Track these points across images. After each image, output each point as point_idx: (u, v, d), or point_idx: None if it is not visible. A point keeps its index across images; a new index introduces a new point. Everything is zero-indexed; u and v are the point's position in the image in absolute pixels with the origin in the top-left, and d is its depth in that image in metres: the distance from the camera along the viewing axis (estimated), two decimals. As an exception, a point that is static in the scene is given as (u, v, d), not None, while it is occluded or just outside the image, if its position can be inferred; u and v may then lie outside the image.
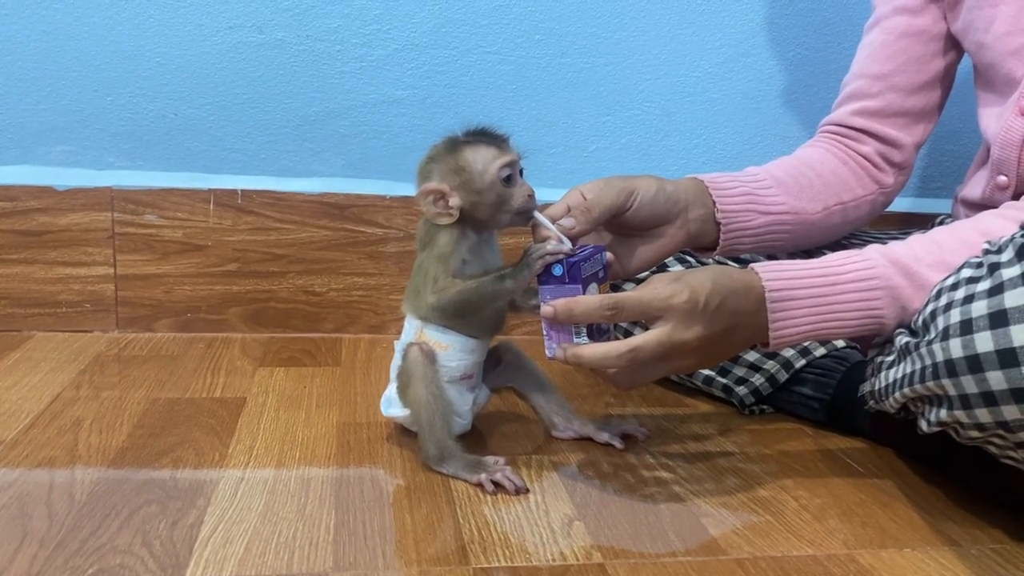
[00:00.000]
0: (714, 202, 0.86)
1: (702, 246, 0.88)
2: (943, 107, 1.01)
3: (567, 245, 0.74)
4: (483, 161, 0.76)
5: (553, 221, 0.77)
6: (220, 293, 1.18)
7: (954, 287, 0.66)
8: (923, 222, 1.07)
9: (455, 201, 0.76)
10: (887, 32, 0.98)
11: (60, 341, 1.12)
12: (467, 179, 0.76)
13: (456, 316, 0.79)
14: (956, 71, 1.00)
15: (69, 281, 1.15)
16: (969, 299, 0.62)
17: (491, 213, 0.77)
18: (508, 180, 0.76)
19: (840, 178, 0.97)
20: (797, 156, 0.99)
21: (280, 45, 1.15)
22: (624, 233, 0.83)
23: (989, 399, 0.61)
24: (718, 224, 0.86)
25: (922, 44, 0.96)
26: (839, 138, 1.00)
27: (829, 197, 0.95)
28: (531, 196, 0.77)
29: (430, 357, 0.79)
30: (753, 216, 0.88)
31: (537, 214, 0.77)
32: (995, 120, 0.91)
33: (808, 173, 0.95)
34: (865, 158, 0.99)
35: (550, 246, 0.73)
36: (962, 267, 0.67)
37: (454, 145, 0.77)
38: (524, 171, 0.78)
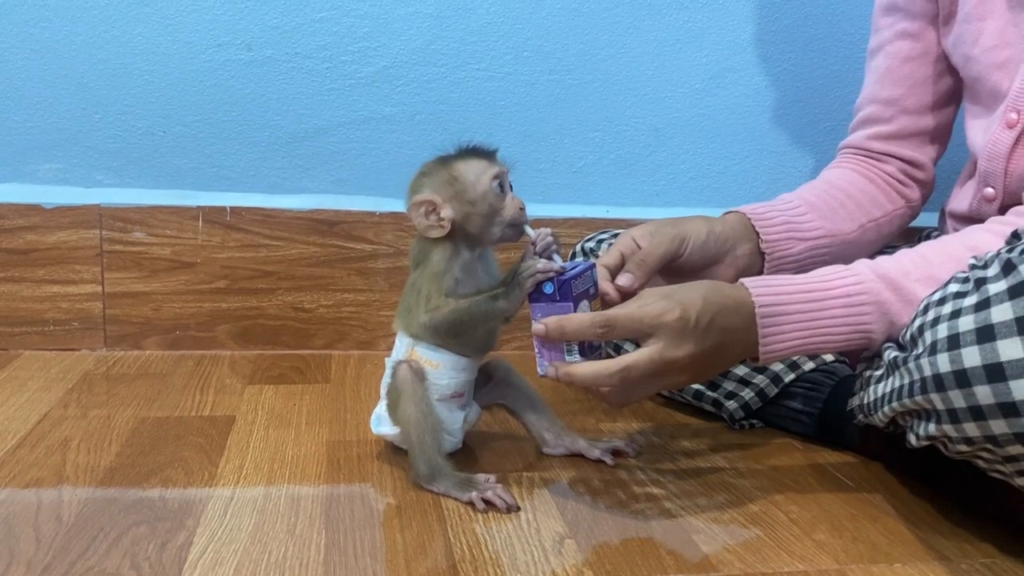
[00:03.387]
0: (758, 233, 0.88)
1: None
2: (954, 122, 1.03)
3: (558, 263, 0.74)
4: (475, 172, 0.77)
5: (612, 273, 0.78)
6: (209, 310, 1.17)
7: (941, 302, 0.66)
8: (910, 236, 1.08)
9: (447, 212, 0.76)
10: (891, 57, 1.00)
11: (48, 360, 1.11)
12: (460, 189, 0.76)
13: (449, 335, 0.79)
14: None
15: (57, 299, 1.14)
16: (956, 314, 0.63)
17: (483, 225, 0.77)
18: (499, 191, 0.77)
19: (869, 196, 0.99)
20: (825, 179, 1.01)
21: (269, 62, 1.15)
22: (675, 276, 0.83)
23: (977, 413, 0.61)
24: (762, 255, 0.88)
25: (926, 66, 0.98)
26: (861, 158, 1.03)
27: (861, 216, 0.97)
28: (522, 209, 0.77)
29: (419, 375, 0.79)
30: (793, 244, 0.90)
31: (529, 228, 0.77)
32: (982, 133, 0.92)
33: (838, 195, 0.97)
34: (890, 175, 1.01)
35: (540, 264, 0.74)
36: (949, 282, 0.68)
37: (445, 159, 0.78)
38: (512, 185, 0.78)
